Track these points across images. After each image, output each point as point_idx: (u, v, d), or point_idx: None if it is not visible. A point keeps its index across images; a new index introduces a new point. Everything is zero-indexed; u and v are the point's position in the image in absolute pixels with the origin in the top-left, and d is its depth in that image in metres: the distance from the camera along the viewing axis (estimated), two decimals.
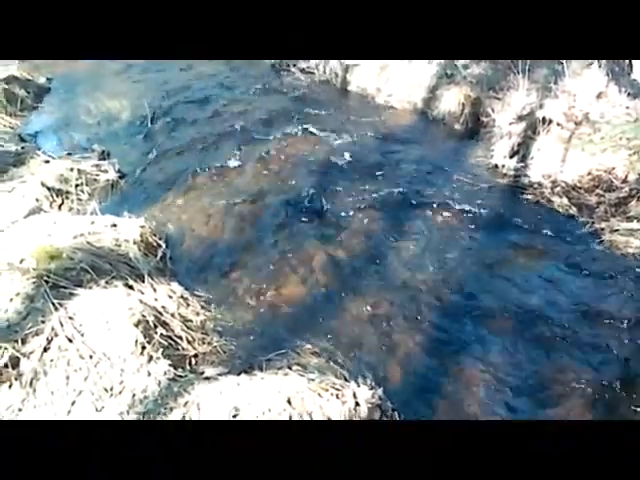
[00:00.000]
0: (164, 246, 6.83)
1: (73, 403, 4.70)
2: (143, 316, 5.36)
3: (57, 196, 7.66)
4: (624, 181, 7.56)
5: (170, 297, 5.89)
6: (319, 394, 4.65)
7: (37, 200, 7.49)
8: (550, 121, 8.28)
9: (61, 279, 5.54)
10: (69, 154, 8.70)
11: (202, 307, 5.99)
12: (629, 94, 8.22)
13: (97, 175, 8.18)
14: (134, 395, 4.76)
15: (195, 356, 5.40)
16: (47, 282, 5.47)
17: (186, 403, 4.63)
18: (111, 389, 4.78)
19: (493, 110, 8.88)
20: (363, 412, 4.64)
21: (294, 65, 11.74)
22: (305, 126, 9.56)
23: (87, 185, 7.95)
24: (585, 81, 8.56)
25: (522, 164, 8.27)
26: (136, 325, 5.23)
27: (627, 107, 8.14)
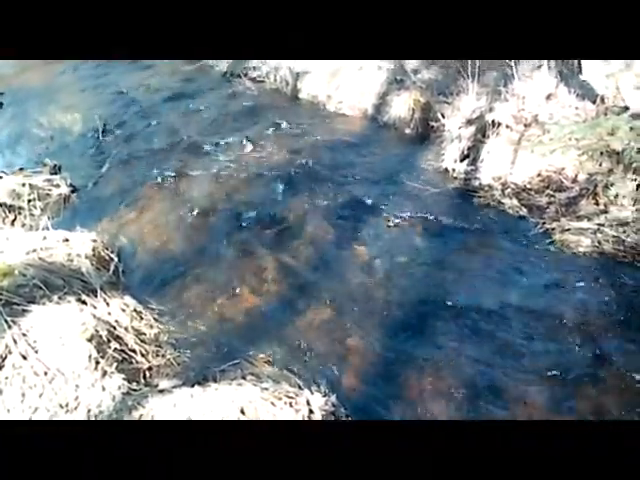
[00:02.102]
0: (116, 260, 6.81)
1: None
2: (96, 331, 5.34)
3: (9, 212, 7.61)
4: (574, 181, 7.65)
5: (123, 311, 5.87)
6: (272, 403, 4.66)
7: None
8: (499, 124, 8.34)
9: (14, 296, 5.51)
10: (21, 169, 8.64)
11: (155, 320, 5.98)
12: (578, 95, 8.31)
13: (49, 190, 8.13)
14: (89, 410, 4.74)
15: (149, 369, 5.40)
16: (0, 299, 5.43)
17: (140, 416, 4.62)
18: (66, 405, 4.76)
19: (443, 115, 8.94)
20: (317, 419, 4.66)
21: (245, 74, 11.72)
22: (256, 135, 9.57)
23: (39, 200, 7.89)
24: (534, 83, 8.66)
25: (472, 167, 8.33)
26: (89, 340, 5.21)
27: (576, 107, 8.23)
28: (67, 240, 6.61)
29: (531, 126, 8.20)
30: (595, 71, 8.20)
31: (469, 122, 8.61)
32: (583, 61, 8.29)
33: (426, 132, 9.34)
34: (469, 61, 8.65)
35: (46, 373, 4.92)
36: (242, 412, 4.53)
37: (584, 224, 7.02)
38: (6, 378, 4.88)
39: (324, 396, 4.90)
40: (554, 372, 5.35)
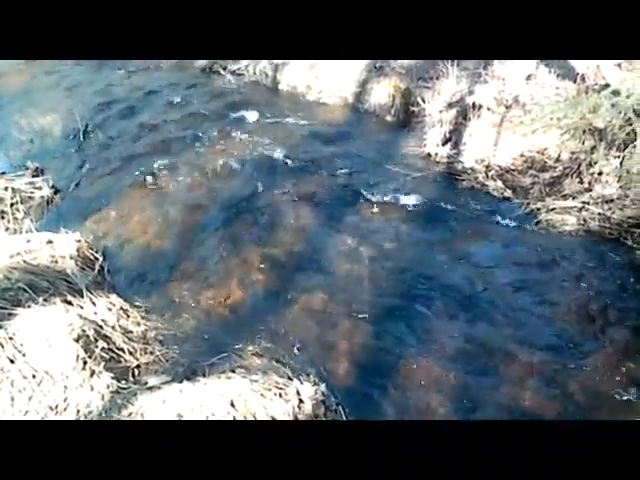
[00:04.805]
0: (101, 259, 6.78)
1: None
2: (83, 331, 5.31)
3: None
4: (557, 160, 7.68)
5: (110, 310, 5.85)
6: (262, 394, 4.66)
7: None
8: (480, 106, 8.37)
9: None
10: (3, 173, 8.59)
11: (142, 317, 5.97)
12: (558, 75, 8.35)
13: (32, 192, 8.08)
14: (79, 411, 4.72)
15: (138, 367, 5.38)
16: None
17: (130, 414, 4.61)
18: (56, 407, 4.75)
19: (424, 99, 8.91)
20: (307, 409, 4.66)
21: (224, 68, 11.62)
22: (238, 128, 9.51)
23: (22, 203, 7.84)
24: (514, 65, 8.67)
25: (455, 151, 8.35)
26: (76, 340, 5.18)
27: (557, 87, 8.28)
28: (51, 242, 6.58)
29: (512, 107, 8.24)
30: None
31: (450, 106, 8.60)
32: None
33: (407, 118, 9.31)
34: None
35: (34, 376, 4.90)
36: (232, 405, 4.52)
37: (569, 203, 7.05)
38: None
39: (314, 385, 4.90)
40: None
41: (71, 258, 6.42)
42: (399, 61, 9.78)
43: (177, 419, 4.43)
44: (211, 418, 4.41)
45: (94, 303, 5.87)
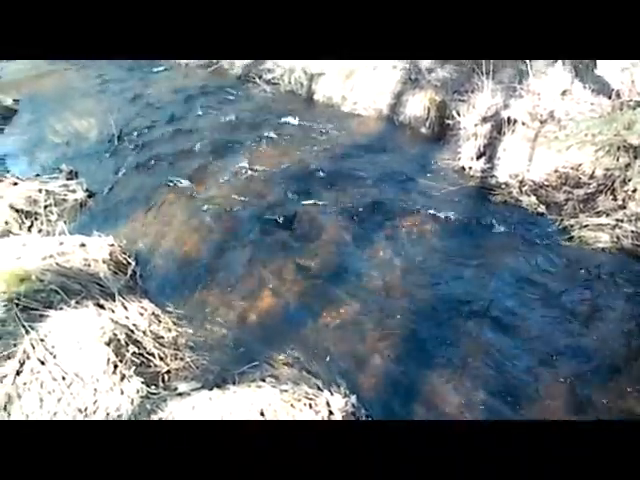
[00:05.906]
0: (134, 264, 6.81)
1: None
2: (114, 335, 5.33)
3: (26, 218, 7.61)
4: (591, 177, 7.61)
5: (141, 315, 5.86)
6: (292, 405, 4.64)
7: (6, 223, 7.44)
8: (515, 121, 8.33)
9: (31, 301, 5.50)
10: (37, 175, 8.65)
11: (174, 323, 5.98)
12: (593, 90, 8.28)
13: (65, 195, 8.12)
14: (108, 414, 4.73)
15: (168, 372, 5.38)
16: (17, 305, 5.41)
17: (159, 419, 4.61)
18: (85, 409, 4.75)
19: (459, 113, 8.89)
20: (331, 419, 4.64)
21: (259, 77, 11.67)
22: (274, 138, 9.53)
23: (56, 206, 7.88)
24: (549, 80, 8.63)
25: (489, 165, 8.32)
26: (107, 344, 5.20)
27: (592, 103, 8.20)
28: (84, 245, 6.61)
29: (547, 122, 8.18)
30: (610, 66, 8.17)
31: (485, 120, 8.57)
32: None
33: (442, 131, 9.31)
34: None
35: (64, 378, 4.91)
36: (261, 414, 4.51)
37: (602, 220, 6.98)
38: (24, 384, 4.87)
39: (344, 397, 4.87)
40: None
41: (104, 262, 6.45)
42: (434, 74, 9.80)
43: (202, 419, 4.44)
44: None
45: (126, 307, 5.88)
